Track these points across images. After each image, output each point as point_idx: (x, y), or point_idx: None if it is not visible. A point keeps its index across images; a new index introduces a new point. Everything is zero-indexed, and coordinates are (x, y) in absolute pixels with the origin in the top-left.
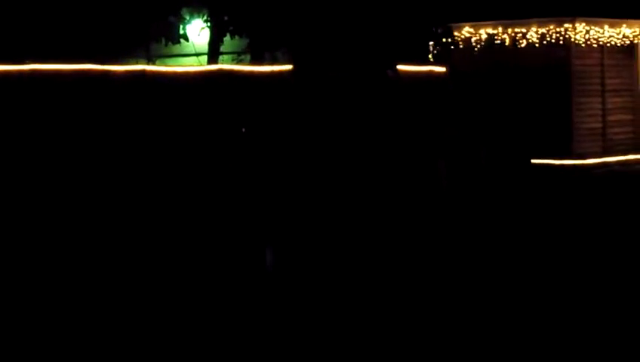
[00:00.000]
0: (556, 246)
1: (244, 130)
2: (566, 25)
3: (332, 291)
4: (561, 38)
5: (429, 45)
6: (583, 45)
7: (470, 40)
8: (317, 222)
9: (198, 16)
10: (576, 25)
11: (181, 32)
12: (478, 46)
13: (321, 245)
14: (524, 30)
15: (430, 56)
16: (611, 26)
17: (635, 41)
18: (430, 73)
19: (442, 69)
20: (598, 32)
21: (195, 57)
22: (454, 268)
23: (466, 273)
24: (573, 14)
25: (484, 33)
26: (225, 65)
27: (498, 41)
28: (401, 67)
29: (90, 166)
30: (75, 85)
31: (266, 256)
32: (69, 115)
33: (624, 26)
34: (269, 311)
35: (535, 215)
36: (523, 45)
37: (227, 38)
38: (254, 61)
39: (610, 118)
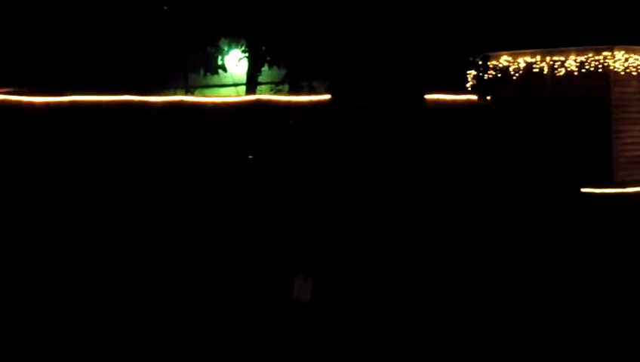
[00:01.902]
0: (596, 274)
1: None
2: (605, 53)
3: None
4: (600, 66)
5: (466, 74)
6: (622, 73)
7: (508, 68)
8: (351, 251)
9: (236, 47)
10: (615, 53)
11: (219, 62)
12: (517, 74)
13: (355, 274)
14: (562, 58)
15: (468, 85)
16: None
17: None
18: (468, 102)
19: (482, 98)
20: (637, 59)
21: (233, 87)
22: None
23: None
24: (612, 42)
25: (522, 62)
26: (263, 95)
27: (536, 70)
28: (438, 96)
29: (128, 195)
30: (113, 116)
31: (294, 286)
32: (107, 145)
33: None
34: (291, 341)
35: (578, 243)
36: (561, 74)
37: (265, 69)
38: (292, 91)
39: None
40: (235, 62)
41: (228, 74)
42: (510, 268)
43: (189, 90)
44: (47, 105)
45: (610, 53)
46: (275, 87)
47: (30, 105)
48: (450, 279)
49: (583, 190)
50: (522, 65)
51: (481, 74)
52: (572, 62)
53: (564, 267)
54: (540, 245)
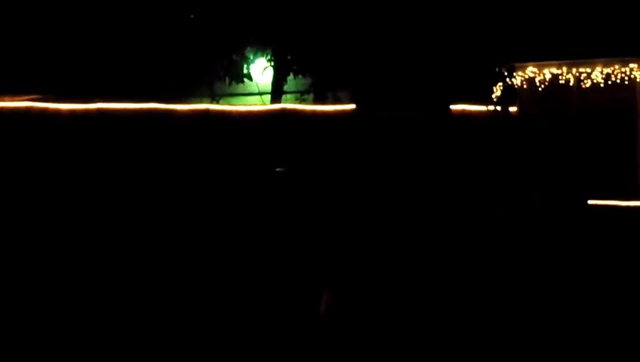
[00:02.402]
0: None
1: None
2: (631, 65)
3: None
4: (626, 78)
5: (492, 85)
6: None
7: (534, 80)
8: (375, 262)
9: (262, 56)
10: None
11: (245, 71)
12: (542, 86)
13: (380, 286)
14: (588, 70)
15: (494, 95)
16: None
17: None
18: (493, 113)
19: (506, 109)
20: None
21: (258, 96)
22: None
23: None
24: (638, 54)
25: (548, 73)
26: (288, 104)
27: (562, 81)
28: (463, 106)
29: (155, 203)
30: (139, 124)
31: (321, 300)
32: (133, 153)
33: None
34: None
35: (585, 255)
36: (587, 85)
37: (290, 78)
38: (317, 100)
39: None
40: (261, 71)
41: (253, 82)
42: (524, 274)
43: (214, 99)
44: (73, 112)
45: (636, 65)
46: (300, 96)
47: (56, 112)
48: (476, 292)
49: (607, 202)
50: (548, 76)
51: (506, 85)
52: (598, 74)
53: (567, 275)
54: (546, 255)
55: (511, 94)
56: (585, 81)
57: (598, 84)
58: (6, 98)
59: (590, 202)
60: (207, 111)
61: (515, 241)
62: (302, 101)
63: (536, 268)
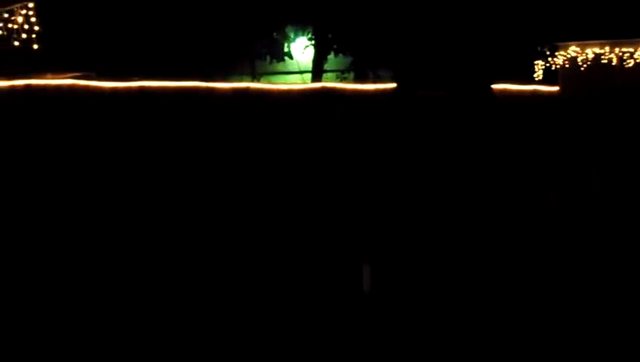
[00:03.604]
0: None
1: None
2: None
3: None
4: None
5: (534, 64)
6: None
7: (576, 59)
8: (415, 241)
9: (303, 35)
10: None
11: (285, 49)
12: (585, 65)
13: (419, 264)
14: (631, 50)
15: (536, 75)
16: None
17: None
18: (535, 92)
19: (548, 88)
20: None
21: (299, 75)
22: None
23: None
24: None
25: (590, 52)
26: (328, 83)
27: (605, 61)
28: (505, 85)
29: (196, 180)
30: (181, 102)
31: (364, 276)
32: (175, 131)
33: None
34: (364, 338)
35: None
36: (630, 65)
37: (331, 56)
38: (357, 79)
39: None
40: (301, 49)
41: (294, 61)
42: (576, 261)
43: (255, 77)
44: (115, 90)
45: None
46: (341, 74)
47: (99, 90)
48: (513, 271)
49: None
50: (590, 56)
51: (548, 64)
52: None
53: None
54: (607, 239)
55: (553, 73)
56: (628, 61)
57: None
58: (49, 75)
59: None
60: (247, 90)
61: (573, 223)
62: (342, 80)
63: (595, 251)
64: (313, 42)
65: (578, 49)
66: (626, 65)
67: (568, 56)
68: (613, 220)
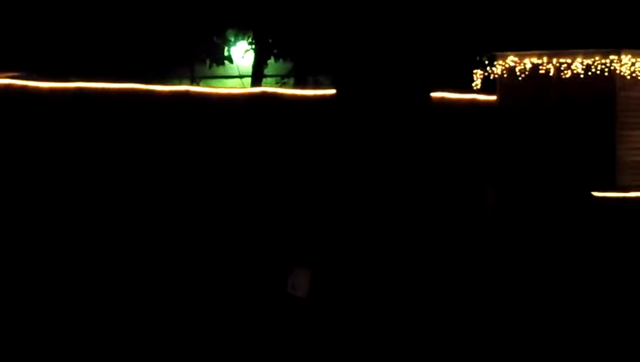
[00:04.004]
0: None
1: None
2: (612, 57)
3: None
4: (606, 69)
5: (472, 73)
6: (629, 77)
7: (514, 69)
8: (351, 246)
9: (243, 39)
10: (622, 57)
11: (225, 53)
12: (523, 75)
13: (355, 269)
14: (569, 61)
15: (474, 84)
16: None
17: None
18: (473, 101)
19: (486, 98)
20: None
21: (238, 79)
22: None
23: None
24: (619, 46)
25: (528, 63)
26: (268, 87)
27: (542, 71)
28: (443, 94)
29: (130, 183)
30: (119, 104)
31: (289, 280)
32: (112, 133)
33: None
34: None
35: (577, 245)
36: (568, 76)
37: (271, 61)
38: (297, 85)
39: None
40: (242, 53)
41: (234, 65)
42: (509, 268)
43: (194, 80)
44: (52, 91)
45: (617, 57)
46: (281, 80)
47: (36, 90)
48: (449, 276)
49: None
50: (529, 66)
51: (487, 74)
52: (578, 65)
53: (562, 267)
54: (541, 248)
55: (491, 83)
56: (565, 72)
57: (579, 75)
58: None
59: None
60: (187, 93)
61: (509, 232)
62: (282, 85)
63: (530, 258)
64: (253, 46)
65: (516, 59)
66: (564, 76)
67: (507, 65)
68: (546, 228)
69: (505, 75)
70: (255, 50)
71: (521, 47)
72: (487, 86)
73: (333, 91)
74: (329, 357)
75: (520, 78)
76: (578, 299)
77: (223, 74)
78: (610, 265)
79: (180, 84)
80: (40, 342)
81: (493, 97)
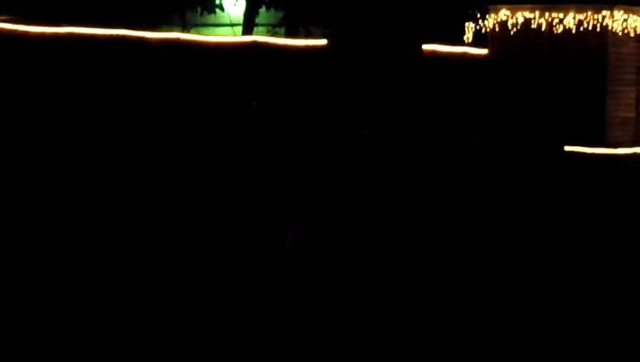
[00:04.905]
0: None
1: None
2: (604, 12)
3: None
4: (598, 25)
5: (464, 26)
6: (620, 34)
7: (506, 23)
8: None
9: None
10: (615, 12)
11: (217, 1)
12: (514, 29)
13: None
14: (561, 15)
15: (466, 37)
16: None
17: None
18: (464, 54)
19: (477, 51)
20: (636, 20)
21: (229, 28)
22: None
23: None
24: (612, 2)
25: (520, 17)
26: (260, 37)
27: (534, 26)
28: (435, 47)
29: (122, 132)
30: (109, 49)
31: (287, 235)
32: (103, 78)
33: None
34: (282, 294)
35: (553, 200)
36: (559, 31)
37: (263, 10)
38: (289, 34)
39: None
40: (233, 2)
41: (225, 13)
42: (490, 222)
43: (185, 28)
44: (42, 35)
45: (609, 13)
46: (272, 29)
47: (25, 34)
48: (428, 234)
49: (574, 149)
50: (521, 20)
51: (479, 27)
52: (570, 20)
53: (546, 224)
54: (524, 203)
55: (483, 37)
56: (557, 27)
57: (570, 30)
58: None
59: (566, 149)
60: (177, 41)
61: (490, 192)
62: (274, 34)
63: (516, 223)
64: None
65: (509, 12)
66: (555, 31)
67: (499, 19)
68: (522, 183)
69: (497, 29)
70: None
71: (514, 1)
72: (479, 40)
73: (324, 42)
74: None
75: (512, 32)
76: (551, 255)
77: (214, 22)
78: (594, 222)
79: (171, 31)
80: (29, 332)
81: (485, 51)
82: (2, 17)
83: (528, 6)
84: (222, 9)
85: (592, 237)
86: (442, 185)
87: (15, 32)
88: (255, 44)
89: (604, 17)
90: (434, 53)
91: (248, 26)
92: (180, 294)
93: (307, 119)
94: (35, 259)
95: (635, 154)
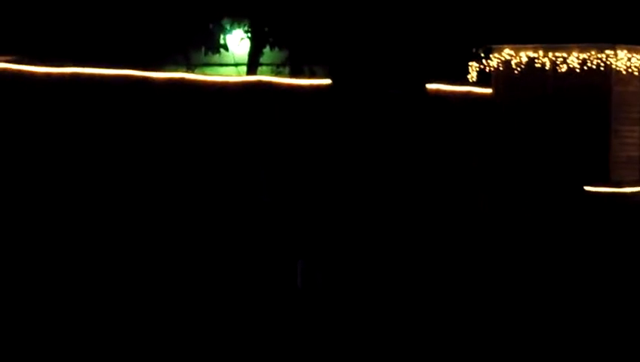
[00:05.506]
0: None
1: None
2: (607, 51)
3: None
4: (601, 64)
5: (468, 66)
6: (624, 72)
7: (510, 62)
8: (348, 241)
9: (239, 27)
10: (618, 52)
11: (221, 41)
12: (518, 69)
13: (350, 263)
14: (564, 55)
15: (470, 76)
16: None
17: None
18: (468, 94)
19: (481, 90)
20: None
21: (234, 67)
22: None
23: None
24: (614, 41)
25: (524, 56)
26: (264, 76)
27: (538, 65)
28: (439, 86)
29: (126, 171)
30: (114, 90)
31: (298, 272)
32: (107, 119)
33: None
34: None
35: (572, 240)
36: (563, 70)
37: (267, 50)
38: (293, 74)
39: None
40: (237, 41)
41: (229, 53)
42: (505, 263)
43: (189, 68)
44: (48, 75)
45: (612, 52)
46: (276, 68)
47: (31, 75)
48: (445, 272)
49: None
50: (524, 59)
51: (482, 66)
52: (574, 59)
53: (557, 263)
54: (536, 243)
55: (486, 76)
56: (561, 66)
57: (574, 69)
58: None
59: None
60: (182, 80)
61: (503, 226)
62: (278, 74)
63: (525, 253)
64: (249, 35)
65: (512, 52)
66: (559, 70)
67: (502, 59)
68: (539, 222)
69: (500, 68)
70: (251, 39)
71: (518, 41)
72: (483, 79)
73: (328, 81)
74: (322, 345)
75: (516, 72)
76: (568, 293)
77: (219, 62)
78: (603, 261)
79: (176, 71)
80: (32, 338)
81: (488, 90)
82: (7, 57)
83: (531, 46)
84: (226, 49)
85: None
86: (456, 228)
87: (21, 72)
88: (260, 83)
89: (607, 56)
90: (438, 91)
91: (253, 66)
92: (199, 333)
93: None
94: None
95: None
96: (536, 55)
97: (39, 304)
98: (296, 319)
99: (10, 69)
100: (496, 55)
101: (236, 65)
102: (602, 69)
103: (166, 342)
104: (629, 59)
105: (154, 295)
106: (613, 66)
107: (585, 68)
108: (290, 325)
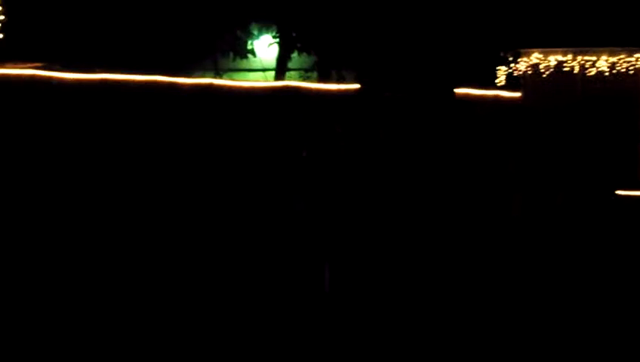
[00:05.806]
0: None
1: (304, 154)
2: (637, 55)
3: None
4: (631, 68)
5: (496, 70)
6: None
7: (538, 66)
8: (374, 243)
9: (267, 32)
10: None
11: (249, 46)
12: (547, 73)
13: (376, 266)
14: (594, 58)
15: (498, 81)
16: None
17: None
18: (497, 98)
19: (510, 94)
20: None
21: (261, 73)
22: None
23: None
24: None
25: (553, 60)
26: (292, 81)
27: (567, 69)
28: (467, 90)
29: (154, 176)
30: (142, 95)
31: (325, 275)
32: (136, 124)
33: None
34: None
35: (607, 245)
36: (592, 74)
37: (295, 55)
38: (321, 79)
39: None
40: (265, 47)
41: (257, 59)
42: (537, 267)
43: (217, 73)
44: (78, 82)
45: None
46: (305, 73)
47: (61, 81)
48: (479, 276)
49: (617, 192)
50: (553, 63)
51: (510, 70)
52: (603, 63)
53: (589, 266)
54: (567, 246)
55: (515, 80)
56: (589, 70)
57: (603, 73)
58: (8, 65)
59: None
60: (210, 86)
61: (537, 230)
62: (306, 79)
63: (558, 257)
64: (277, 40)
65: (541, 56)
66: (588, 74)
67: (531, 62)
68: (573, 227)
69: (529, 72)
70: (279, 44)
71: (546, 45)
72: (511, 83)
73: (356, 86)
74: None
75: (544, 75)
76: (599, 297)
77: (247, 67)
78: (635, 265)
79: (204, 76)
80: (31, 338)
81: (517, 94)
82: (36, 64)
83: (561, 50)
84: (254, 54)
85: None
86: (484, 232)
87: (50, 78)
88: (288, 88)
89: (637, 60)
90: (466, 95)
91: (281, 71)
92: (223, 337)
93: (336, 148)
94: None
95: None
96: (565, 59)
97: (41, 304)
98: (321, 323)
99: (39, 75)
100: (524, 59)
101: (264, 70)
102: (631, 72)
103: (191, 344)
104: None
105: (186, 296)
106: None
107: (614, 71)
108: (314, 328)
